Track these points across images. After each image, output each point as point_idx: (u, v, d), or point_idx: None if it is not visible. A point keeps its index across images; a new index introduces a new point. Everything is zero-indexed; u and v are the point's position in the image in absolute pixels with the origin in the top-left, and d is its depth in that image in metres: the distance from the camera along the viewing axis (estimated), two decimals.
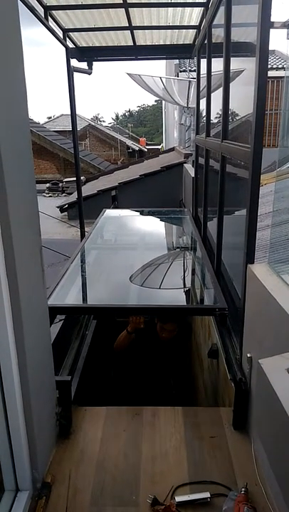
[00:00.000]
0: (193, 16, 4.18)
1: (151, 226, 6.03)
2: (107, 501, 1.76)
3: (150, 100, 56.81)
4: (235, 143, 2.45)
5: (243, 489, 1.70)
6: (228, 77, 2.86)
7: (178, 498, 1.72)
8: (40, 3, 3.80)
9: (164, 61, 16.62)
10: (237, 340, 2.36)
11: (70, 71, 5.11)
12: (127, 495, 1.78)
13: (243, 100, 2.86)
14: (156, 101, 47.97)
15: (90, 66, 5.48)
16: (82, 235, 5.71)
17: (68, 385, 2.22)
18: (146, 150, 27.31)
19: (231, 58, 2.85)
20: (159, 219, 6.32)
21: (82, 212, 5.84)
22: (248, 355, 1.99)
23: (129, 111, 60.21)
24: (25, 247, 1.68)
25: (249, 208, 1.95)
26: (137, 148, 27.55)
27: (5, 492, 1.75)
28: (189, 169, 6.87)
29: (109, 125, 42.93)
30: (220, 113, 3.52)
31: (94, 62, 5.51)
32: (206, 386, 3.50)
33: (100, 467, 1.93)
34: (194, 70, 9.23)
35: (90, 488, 1.82)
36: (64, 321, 3.46)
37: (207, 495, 1.73)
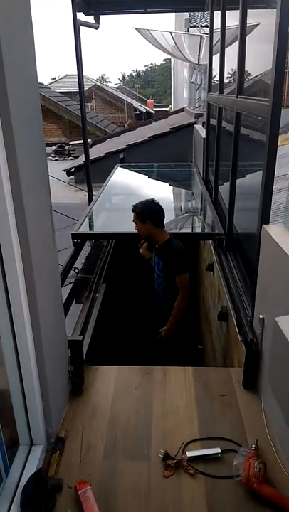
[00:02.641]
0: None
1: (163, 177, 6.86)
2: (120, 455, 1.80)
3: (158, 59, 54.72)
4: (252, 97, 2.33)
5: (253, 445, 1.73)
6: (244, 29, 2.69)
7: (189, 453, 1.76)
8: None
9: (174, 16, 15.81)
10: (248, 302, 2.34)
11: (77, 25, 4.86)
12: (138, 449, 1.83)
13: (256, 58, 2.72)
14: (164, 60, 46.19)
15: (97, 20, 5.21)
16: (90, 199, 5.63)
17: (80, 344, 2.25)
18: (154, 112, 26.50)
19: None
20: (168, 171, 7.06)
21: (90, 175, 5.74)
22: (260, 316, 1.98)
23: (136, 71, 58.07)
24: (36, 207, 1.65)
25: (266, 165, 1.88)
26: (145, 110, 26.76)
27: (20, 446, 1.81)
28: (200, 130, 6.67)
29: (116, 86, 41.54)
30: (234, 70, 3.36)
31: (101, 16, 5.25)
32: (214, 349, 3.54)
33: (112, 423, 1.98)
34: (206, 26, 8.78)
35: (102, 442, 1.87)
36: (73, 283, 3.47)
37: (218, 450, 1.77)
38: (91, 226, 4.25)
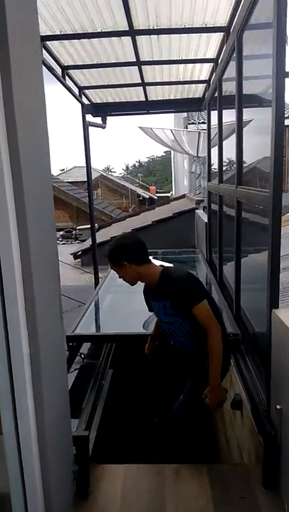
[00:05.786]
0: (203, 71, 4.39)
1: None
2: None
3: (159, 151, 58.72)
4: (253, 188, 2.46)
5: None
6: (241, 126, 2.94)
7: None
8: (58, 63, 4.04)
9: (173, 115, 17.38)
10: (263, 390, 2.24)
11: (86, 126, 5.34)
12: None
13: (250, 148, 2.94)
14: (165, 152, 49.57)
15: (104, 121, 5.74)
16: (97, 281, 5.70)
17: (86, 440, 2.11)
18: (156, 198, 27.87)
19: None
20: (173, 258, 6.95)
21: (97, 258, 5.87)
22: (278, 406, 1.87)
23: (139, 162, 62.21)
24: (46, 294, 1.66)
25: (271, 251, 1.92)
26: (147, 196, 28.16)
27: None
28: (201, 215, 6.94)
29: (120, 175, 44.22)
30: (230, 159, 3.60)
31: (108, 117, 5.78)
32: (228, 440, 3.30)
33: None
34: (202, 122, 9.59)
35: None
36: (79, 370, 3.36)
37: None
38: (89, 326, 3.88)
